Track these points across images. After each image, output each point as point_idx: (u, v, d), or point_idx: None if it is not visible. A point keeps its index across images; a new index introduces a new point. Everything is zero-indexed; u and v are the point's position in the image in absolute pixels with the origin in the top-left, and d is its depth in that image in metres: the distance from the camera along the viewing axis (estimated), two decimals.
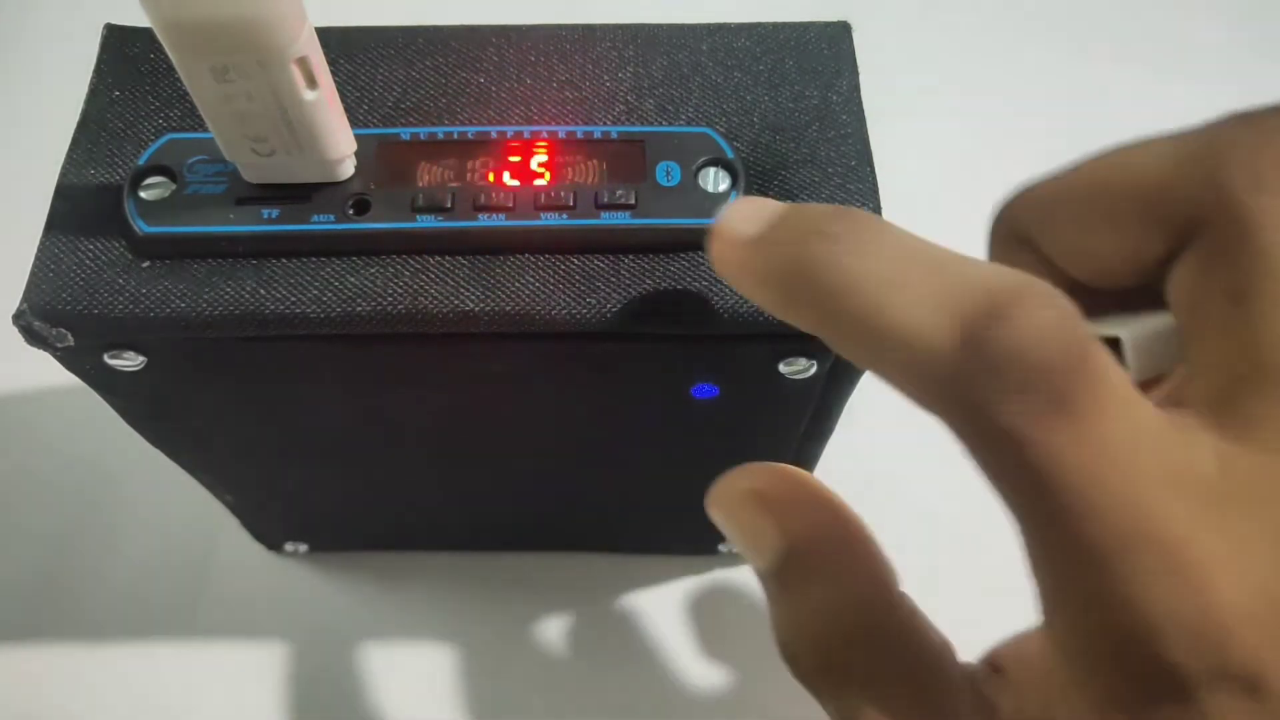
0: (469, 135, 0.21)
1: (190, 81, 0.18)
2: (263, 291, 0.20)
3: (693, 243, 0.20)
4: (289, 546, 0.35)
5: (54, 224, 0.20)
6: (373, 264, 0.20)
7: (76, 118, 0.22)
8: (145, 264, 0.20)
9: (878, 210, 0.21)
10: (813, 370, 0.22)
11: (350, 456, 0.27)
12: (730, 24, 0.23)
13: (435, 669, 0.34)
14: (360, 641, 0.34)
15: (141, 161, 0.20)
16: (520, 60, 0.22)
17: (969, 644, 0.17)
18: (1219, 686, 0.13)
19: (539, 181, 0.20)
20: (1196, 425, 0.14)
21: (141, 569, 0.35)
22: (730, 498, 0.18)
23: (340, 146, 0.19)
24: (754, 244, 0.16)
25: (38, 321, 0.20)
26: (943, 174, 0.41)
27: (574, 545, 0.35)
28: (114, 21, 0.23)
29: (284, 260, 0.20)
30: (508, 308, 0.20)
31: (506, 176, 0.20)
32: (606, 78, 0.22)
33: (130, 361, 0.21)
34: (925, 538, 0.34)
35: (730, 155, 0.21)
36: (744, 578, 0.35)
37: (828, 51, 0.23)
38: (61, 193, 0.21)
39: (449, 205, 0.20)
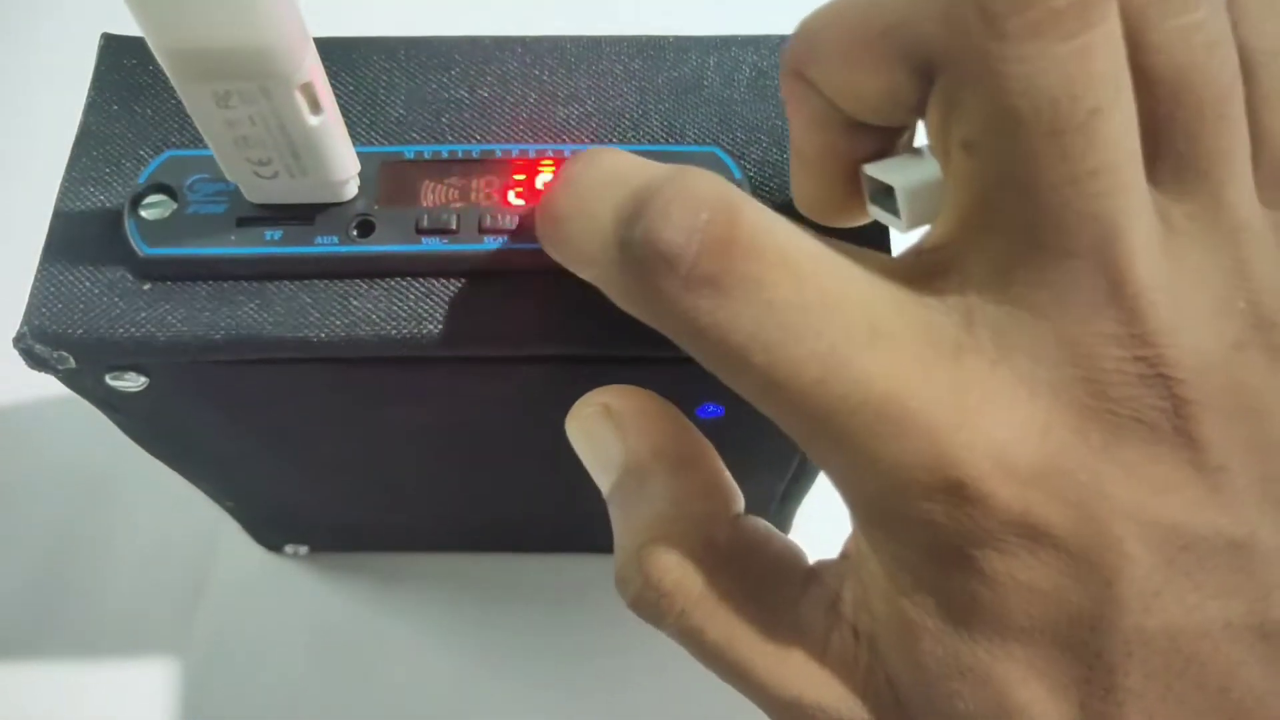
0: (473, 154, 0.21)
1: (191, 106, 0.17)
2: (264, 315, 0.20)
3: None
4: (289, 548, 0.35)
5: (53, 244, 0.20)
6: (376, 287, 0.20)
7: (75, 130, 0.21)
8: (146, 286, 0.20)
9: (885, 232, 0.21)
10: None
11: (351, 468, 0.27)
12: (737, 36, 0.23)
13: (434, 669, 0.34)
14: (360, 642, 0.34)
15: (141, 180, 0.20)
16: (524, 74, 0.22)
17: None
18: (991, 544, 0.13)
19: None
20: (924, 279, 0.14)
21: (141, 570, 0.35)
22: (583, 414, 0.18)
23: (344, 169, 0.19)
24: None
25: (39, 345, 0.19)
26: None
27: (575, 547, 0.35)
28: (116, 32, 0.22)
29: (286, 283, 0.20)
30: (513, 331, 0.20)
31: (512, 196, 0.20)
32: (612, 93, 0.22)
33: (132, 383, 0.21)
34: None
35: (738, 175, 0.21)
36: None
37: None
38: (60, 212, 0.20)
39: (454, 227, 0.20)
